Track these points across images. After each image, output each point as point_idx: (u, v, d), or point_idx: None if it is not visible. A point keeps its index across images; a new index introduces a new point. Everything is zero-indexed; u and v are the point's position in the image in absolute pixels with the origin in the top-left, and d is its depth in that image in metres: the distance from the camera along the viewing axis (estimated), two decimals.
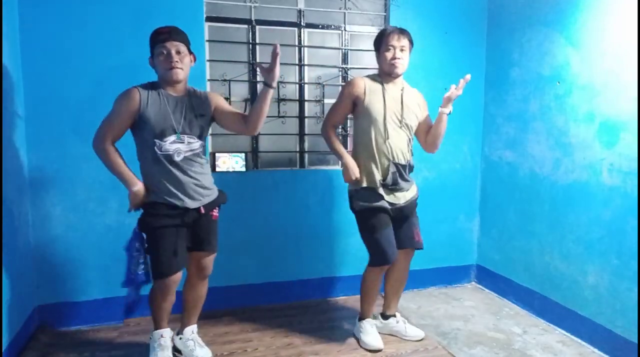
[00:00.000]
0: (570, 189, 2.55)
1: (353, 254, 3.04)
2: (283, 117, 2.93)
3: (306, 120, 2.99)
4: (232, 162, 2.78)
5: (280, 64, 2.83)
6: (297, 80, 2.94)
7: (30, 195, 2.45)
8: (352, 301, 2.99)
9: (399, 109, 2.26)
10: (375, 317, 2.52)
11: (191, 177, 2.00)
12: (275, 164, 2.98)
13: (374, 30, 3.04)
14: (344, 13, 2.99)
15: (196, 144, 2.01)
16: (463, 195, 3.30)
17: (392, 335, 2.51)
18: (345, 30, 3.00)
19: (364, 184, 2.27)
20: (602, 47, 2.35)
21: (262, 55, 2.85)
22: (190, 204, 2.01)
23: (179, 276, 2.04)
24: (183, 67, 1.94)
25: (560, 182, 2.63)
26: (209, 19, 2.72)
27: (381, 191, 2.25)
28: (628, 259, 2.22)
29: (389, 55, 2.21)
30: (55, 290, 2.54)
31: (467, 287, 3.32)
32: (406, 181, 2.31)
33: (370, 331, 2.42)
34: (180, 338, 2.28)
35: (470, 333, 2.60)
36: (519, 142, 2.93)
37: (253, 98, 2.85)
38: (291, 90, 2.95)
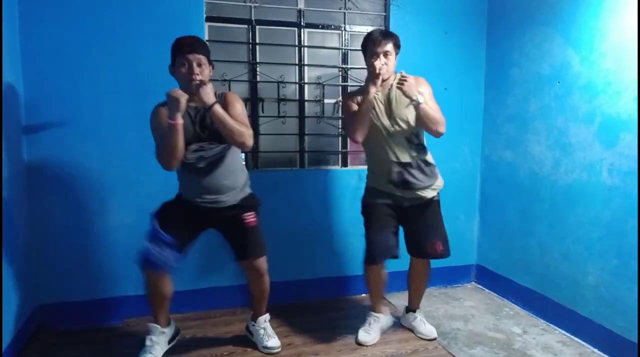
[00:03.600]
0: (570, 189, 2.55)
1: (353, 254, 3.04)
2: (283, 117, 2.94)
3: (306, 120, 2.98)
4: None
5: (280, 64, 2.89)
6: (297, 80, 2.94)
7: (30, 195, 2.45)
8: (353, 300, 2.99)
9: (386, 109, 2.27)
10: (383, 313, 2.55)
11: (216, 181, 2.08)
12: (275, 164, 2.98)
13: None
14: (344, 13, 2.99)
15: (218, 148, 2.05)
16: (463, 195, 3.29)
17: (410, 330, 2.58)
18: (345, 30, 3.00)
19: (369, 184, 2.42)
20: (602, 47, 2.35)
21: (262, 55, 2.85)
22: (208, 205, 2.10)
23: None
24: (204, 79, 1.97)
25: (560, 182, 2.62)
26: (209, 19, 2.72)
27: (385, 189, 2.32)
28: (628, 259, 2.21)
29: (373, 62, 2.21)
30: (55, 290, 2.54)
31: (467, 287, 3.32)
32: (417, 179, 2.28)
33: (366, 325, 2.49)
34: (253, 325, 2.41)
35: (470, 333, 2.60)
36: (519, 142, 2.93)
37: (253, 98, 2.86)
38: (291, 90, 2.95)
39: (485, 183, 3.28)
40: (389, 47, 2.21)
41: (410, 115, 2.25)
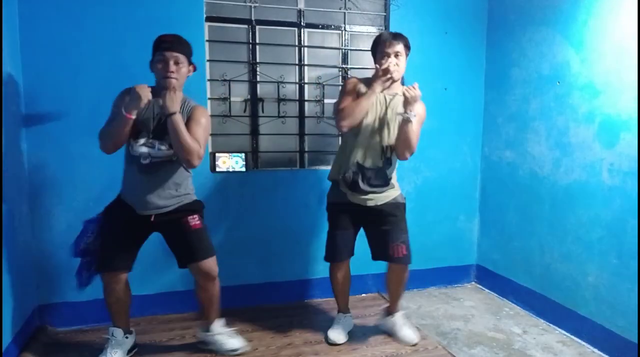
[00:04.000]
0: (570, 189, 2.55)
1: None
2: (283, 117, 2.94)
3: (306, 120, 2.98)
4: (232, 162, 2.78)
5: (280, 64, 2.89)
6: (297, 80, 2.94)
7: (30, 195, 2.44)
8: (353, 300, 2.98)
9: (381, 113, 2.25)
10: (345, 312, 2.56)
11: (155, 183, 2.03)
12: (275, 164, 2.98)
13: (374, 30, 3.04)
14: (344, 13, 2.99)
15: (167, 152, 2.00)
16: (463, 195, 3.30)
17: (389, 334, 2.52)
18: (345, 30, 3.00)
19: (330, 175, 2.40)
20: (602, 47, 2.35)
21: (262, 55, 2.86)
22: (142, 211, 2.04)
23: (116, 276, 2.07)
24: (178, 78, 1.98)
25: (560, 182, 2.62)
26: (209, 19, 2.72)
27: (343, 188, 2.31)
28: (628, 259, 2.22)
29: (383, 62, 2.19)
30: (55, 290, 2.54)
31: (467, 287, 3.32)
32: (371, 186, 2.26)
33: (334, 325, 2.50)
34: (208, 333, 2.29)
35: (470, 333, 2.60)
36: (519, 142, 2.93)
37: (253, 98, 2.86)
38: (291, 90, 2.95)
39: (485, 183, 3.28)
40: (400, 47, 2.20)
41: (396, 127, 2.23)
